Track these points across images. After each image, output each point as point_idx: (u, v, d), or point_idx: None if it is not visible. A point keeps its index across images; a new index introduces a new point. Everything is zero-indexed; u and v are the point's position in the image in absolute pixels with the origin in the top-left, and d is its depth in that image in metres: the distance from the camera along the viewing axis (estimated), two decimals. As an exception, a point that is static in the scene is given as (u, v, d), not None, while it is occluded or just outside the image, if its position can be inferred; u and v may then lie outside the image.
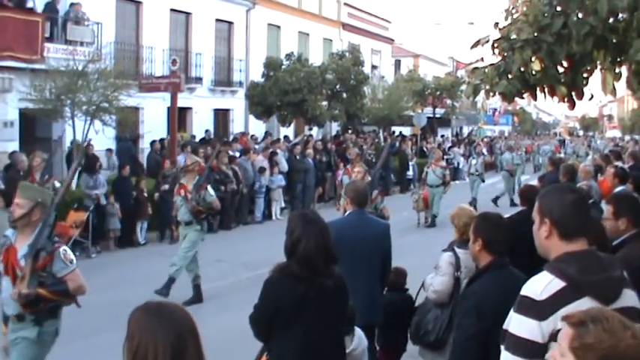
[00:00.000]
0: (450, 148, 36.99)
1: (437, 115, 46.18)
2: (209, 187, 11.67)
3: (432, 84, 44.50)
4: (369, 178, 10.83)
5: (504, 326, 3.06)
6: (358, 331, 5.45)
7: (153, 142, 21.94)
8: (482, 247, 4.51)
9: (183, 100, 23.57)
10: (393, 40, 50.43)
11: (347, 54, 31.27)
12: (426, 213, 20.02)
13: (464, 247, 5.77)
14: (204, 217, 11.70)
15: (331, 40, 40.11)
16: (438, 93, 44.28)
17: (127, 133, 22.08)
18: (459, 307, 4.74)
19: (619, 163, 14.83)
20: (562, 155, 31.69)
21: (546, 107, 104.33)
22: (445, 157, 33.80)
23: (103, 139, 19.24)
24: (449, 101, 45.17)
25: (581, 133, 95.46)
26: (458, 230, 5.98)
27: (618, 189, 10.45)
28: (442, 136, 45.11)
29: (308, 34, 37.94)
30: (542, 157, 37.23)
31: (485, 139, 47.51)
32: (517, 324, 2.96)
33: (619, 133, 69.63)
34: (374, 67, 44.99)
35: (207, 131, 27.26)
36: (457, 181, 29.68)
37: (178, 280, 11.36)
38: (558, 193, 3.24)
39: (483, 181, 23.82)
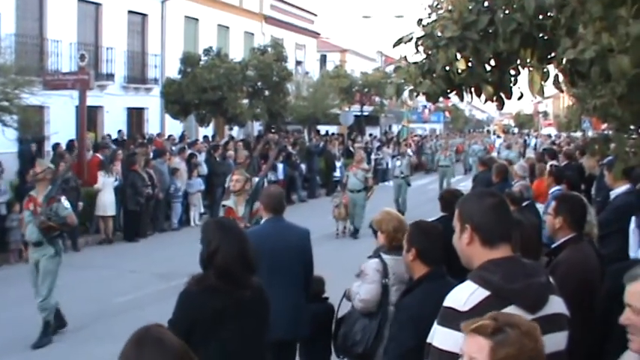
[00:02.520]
0: (378, 147, 37.30)
1: (365, 113, 46.55)
2: (63, 199, 10.34)
3: (360, 80, 44.87)
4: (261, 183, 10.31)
5: (428, 340, 3.10)
6: None
7: (56, 145, 21.41)
8: (415, 256, 4.65)
9: (93, 99, 23.16)
10: (318, 34, 50.66)
11: (269, 49, 31.26)
12: (346, 221, 19.30)
13: (392, 254, 5.82)
14: (57, 234, 10.28)
15: (253, 34, 40.04)
16: (366, 90, 44.67)
17: (30, 135, 21.53)
18: (393, 320, 4.81)
19: (554, 162, 15.27)
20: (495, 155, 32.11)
21: (480, 104, 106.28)
22: (374, 157, 34.10)
23: (3, 141, 18.72)
24: (377, 98, 45.59)
25: (516, 130, 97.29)
26: (386, 236, 6.00)
27: (553, 189, 10.79)
28: (370, 135, 45.47)
29: (228, 28, 37.79)
30: (472, 157, 37.26)
31: (415, 138, 48.02)
32: (441, 337, 2.99)
33: (554, 131, 71.30)
34: (298, 62, 45.12)
35: (119, 132, 26.87)
36: (387, 183, 29.89)
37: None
38: (477, 198, 3.31)
39: (409, 184, 23.07)
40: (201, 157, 23.04)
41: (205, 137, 29.42)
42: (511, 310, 2.89)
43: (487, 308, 2.89)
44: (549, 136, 57.27)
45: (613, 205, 7.79)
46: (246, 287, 4.52)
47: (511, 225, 3.28)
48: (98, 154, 20.29)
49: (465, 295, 2.98)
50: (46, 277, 10.04)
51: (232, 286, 4.44)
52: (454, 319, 2.93)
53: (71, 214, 10.38)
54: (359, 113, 45.00)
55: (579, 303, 4.53)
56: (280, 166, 26.32)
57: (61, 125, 23.08)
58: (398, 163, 23.45)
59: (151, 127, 30.70)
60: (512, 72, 5.24)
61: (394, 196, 22.52)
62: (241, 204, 9.00)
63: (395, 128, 58.59)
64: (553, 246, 5.29)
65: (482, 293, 2.96)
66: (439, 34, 5.02)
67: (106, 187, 18.28)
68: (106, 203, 18.23)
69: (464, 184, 26.35)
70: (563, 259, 5.00)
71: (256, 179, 9.80)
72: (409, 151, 29.94)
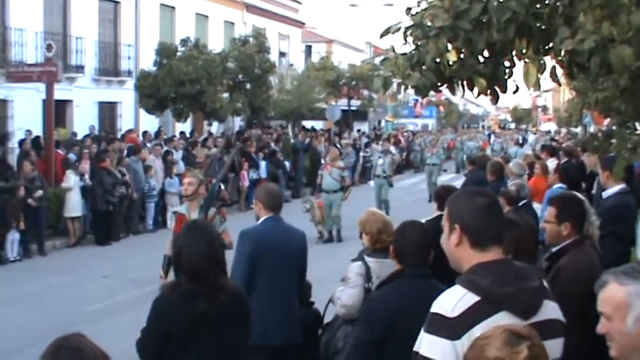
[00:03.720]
0: (367, 144, 37.30)
1: (352, 108, 46.55)
2: None
3: (347, 73, 44.89)
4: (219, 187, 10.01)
5: (415, 348, 3.10)
6: None
7: (22, 141, 21.32)
8: (394, 255, 4.88)
9: (61, 92, 23.01)
10: (303, 24, 50.60)
11: (251, 39, 31.20)
12: (323, 226, 19.00)
13: (375, 256, 5.88)
14: None
15: (233, 24, 39.95)
16: (354, 83, 44.68)
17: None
18: (362, 310, 5.00)
19: (553, 160, 15.32)
20: (488, 152, 32.15)
21: (474, 97, 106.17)
22: (362, 154, 34.11)
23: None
24: (366, 92, 45.61)
25: (512, 125, 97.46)
26: (370, 238, 6.04)
27: (555, 186, 10.80)
28: (358, 130, 45.48)
29: (207, 17, 37.69)
30: (467, 154, 37.21)
31: (405, 134, 48.07)
32: (428, 345, 2.98)
33: (554, 126, 71.51)
34: (282, 54, 45.05)
35: (91, 127, 26.72)
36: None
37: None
38: (468, 197, 3.30)
39: (391, 185, 22.38)
40: (178, 155, 23.00)
41: (182, 133, 29.33)
42: (502, 316, 2.91)
43: (476, 314, 2.91)
44: (548, 131, 57.41)
45: (605, 205, 7.71)
46: (221, 290, 4.51)
47: (503, 226, 3.28)
48: (60, 151, 20.17)
49: (453, 301, 2.98)
50: None
51: (207, 289, 4.43)
52: (442, 326, 2.94)
53: None
54: (346, 108, 44.96)
55: (584, 309, 4.54)
56: (263, 164, 26.31)
57: (26, 121, 22.96)
58: (380, 161, 22.76)
59: (125, 123, 30.56)
60: (507, 64, 5.22)
61: (376, 197, 22.07)
62: (194, 210, 8.61)
63: (384, 123, 58.74)
64: (554, 250, 5.27)
65: (472, 298, 2.96)
66: (429, 23, 5.00)
67: (75, 186, 18.29)
68: (74, 203, 18.23)
69: (457, 182, 26.33)
70: (565, 263, 5.00)
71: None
72: (392, 148, 29.40)
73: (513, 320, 2.87)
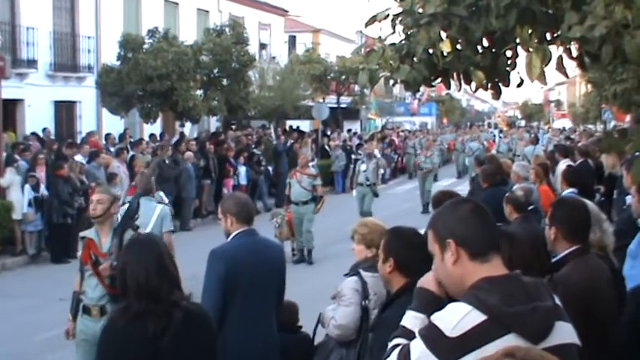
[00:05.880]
0: (358, 146, 37.27)
1: (342, 105, 46.56)
2: None
3: (336, 66, 44.91)
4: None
5: (405, 347, 3.10)
6: None
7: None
8: (394, 268, 4.70)
9: (10, 90, 22.94)
10: (286, 12, 50.64)
11: (227, 29, 31.21)
12: (293, 242, 18.18)
13: (372, 270, 5.82)
14: None
15: (207, 12, 39.97)
16: (343, 77, 44.68)
17: None
18: (374, 338, 4.85)
19: (566, 161, 15.36)
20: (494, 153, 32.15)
21: (479, 93, 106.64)
22: (354, 157, 34.10)
23: None
24: (357, 87, 45.62)
25: (523, 123, 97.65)
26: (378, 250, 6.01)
27: (566, 192, 10.82)
28: (349, 130, 45.45)
29: (177, 4, 37.70)
30: (469, 157, 37.06)
31: (400, 134, 48.06)
32: (419, 353, 2.99)
33: (570, 123, 71.84)
34: (262, 45, 45.10)
35: (45, 130, 26.60)
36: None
37: None
38: (451, 208, 3.31)
39: (376, 194, 21.66)
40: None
41: (152, 136, 29.24)
42: (509, 339, 2.88)
43: (479, 336, 2.89)
44: (562, 129, 57.59)
45: (627, 212, 7.71)
46: (176, 306, 4.45)
47: (496, 231, 3.30)
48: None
49: (455, 318, 2.96)
50: None
51: (158, 306, 4.39)
52: (438, 343, 2.94)
53: None
54: (335, 105, 45.02)
55: (584, 332, 4.51)
56: (242, 169, 26.29)
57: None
58: (363, 167, 21.97)
59: (85, 125, 30.43)
60: (509, 54, 5.22)
61: (358, 208, 21.38)
62: (106, 235, 7.90)
63: (379, 122, 58.76)
64: (553, 260, 5.24)
65: (477, 317, 2.93)
66: (420, 10, 4.99)
67: (15, 185, 18.37)
68: (18, 204, 18.26)
69: (457, 188, 26.35)
70: (561, 277, 4.94)
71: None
72: (377, 152, 27.92)
73: (522, 344, 2.81)
